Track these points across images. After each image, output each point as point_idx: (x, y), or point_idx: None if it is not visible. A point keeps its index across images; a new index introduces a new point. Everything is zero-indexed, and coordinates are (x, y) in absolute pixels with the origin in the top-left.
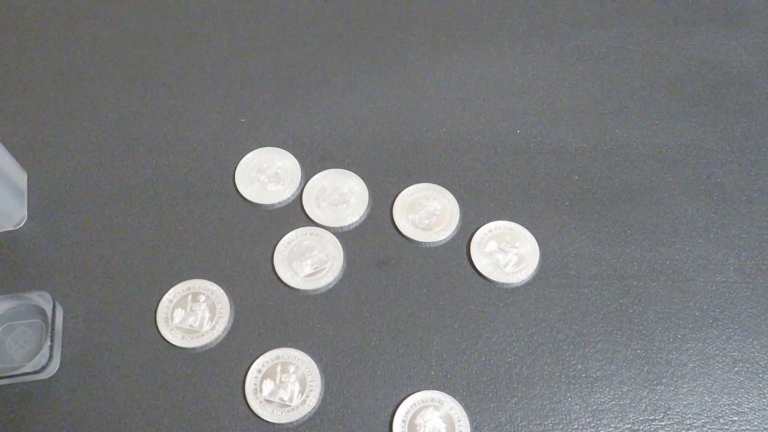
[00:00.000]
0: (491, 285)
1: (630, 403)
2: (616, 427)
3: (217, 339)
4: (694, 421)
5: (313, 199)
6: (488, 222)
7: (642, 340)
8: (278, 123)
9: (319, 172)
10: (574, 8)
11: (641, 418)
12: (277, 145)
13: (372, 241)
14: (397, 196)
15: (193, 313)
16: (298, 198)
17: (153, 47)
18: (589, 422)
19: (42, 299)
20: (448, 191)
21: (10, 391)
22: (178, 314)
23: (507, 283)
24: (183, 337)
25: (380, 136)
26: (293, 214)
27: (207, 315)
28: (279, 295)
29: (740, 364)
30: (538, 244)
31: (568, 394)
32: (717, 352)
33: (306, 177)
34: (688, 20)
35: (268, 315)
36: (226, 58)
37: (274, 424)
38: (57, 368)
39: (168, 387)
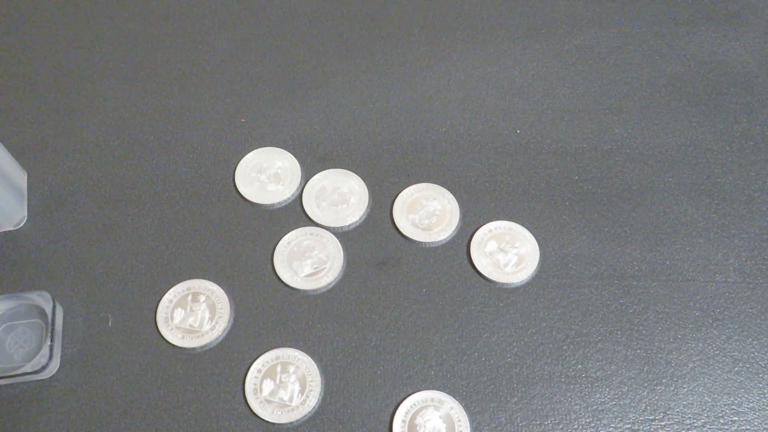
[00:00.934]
0: (491, 285)
1: (630, 403)
2: (616, 427)
3: (217, 339)
4: (694, 421)
5: (313, 199)
6: (488, 222)
7: (642, 340)
8: (278, 123)
9: (319, 172)
10: (574, 8)
11: (641, 418)
12: (277, 145)
13: (372, 241)
14: (397, 196)
15: (193, 313)
16: (298, 198)
17: (153, 47)
18: (589, 422)
19: (42, 299)
20: (448, 191)
21: (10, 391)
22: (178, 314)
23: (507, 283)
24: (183, 337)
25: (380, 136)
26: (293, 214)
27: (207, 315)
28: (279, 295)
29: (740, 364)
30: (538, 244)
31: (568, 394)
32: (717, 352)
33: (306, 177)
34: (688, 20)
35: (268, 315)
36: (226, 58)
37: (274, 424)
38: (57, 368)
39: (168, 387)
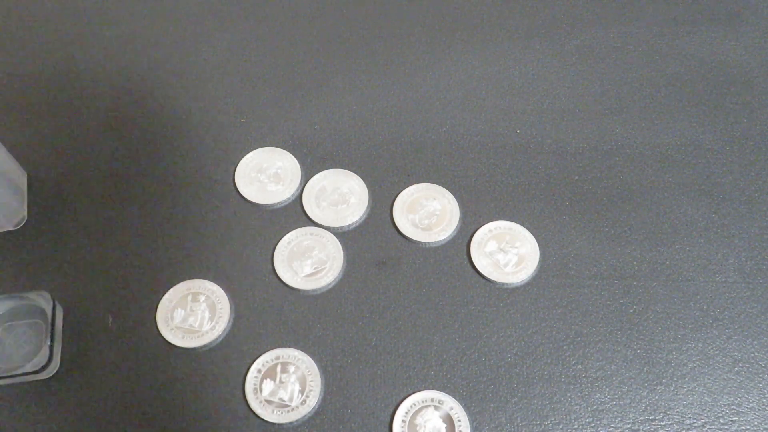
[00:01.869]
0: (491, 285)
1: (630, 403)
2: (616, 427)
3: (217, 339)
4: (694, 421)
5: (313, 199)
6: (488, 222)
7: (642, 340)
8: (278, 123)
9: (319, 172)
10: (574, 8)
11: (641, 418)
12: (277, 145)
13: (372, 241)
14: (397, 196)
15: (193, 313)
16: (298, 198)
17: (153, 47)
18: (589, 422)
19: (42, 299)
20: (448, 191)
21: (10, 391)
22: (178, 314)
23: (507, 283)
24: (183, 337)
25: (380, 136)
26: (293, 214)
27: (207, 315)
28: (279, 295)
29: (740, 364)
30: (538, 244)
31: (568, 394)
32: (717, 352)
33: (306, 177)
34: (688, 20)
35: (268, 315)
36: (226, 58)
37: (274, 424)
38: (57, 368)
39: (168, 387)
